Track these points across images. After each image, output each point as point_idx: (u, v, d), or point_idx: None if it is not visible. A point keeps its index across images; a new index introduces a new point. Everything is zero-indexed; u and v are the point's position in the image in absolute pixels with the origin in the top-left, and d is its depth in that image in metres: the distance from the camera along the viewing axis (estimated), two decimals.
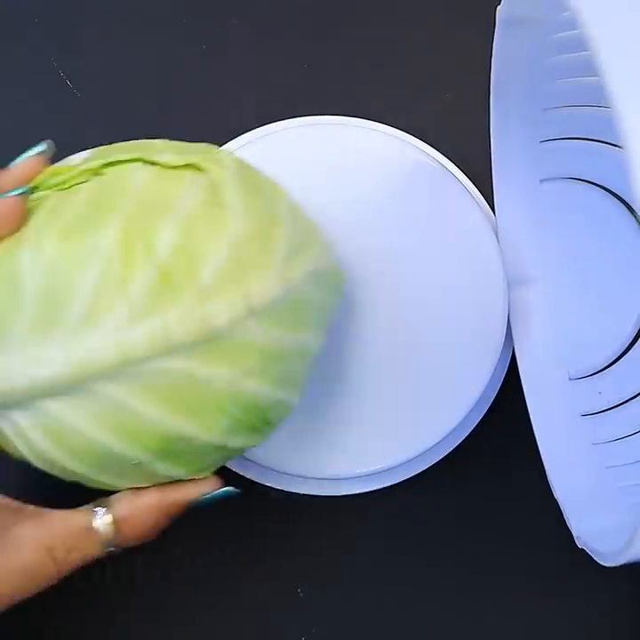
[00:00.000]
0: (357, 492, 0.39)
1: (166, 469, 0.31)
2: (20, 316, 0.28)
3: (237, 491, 0.33)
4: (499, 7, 0.34)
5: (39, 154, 0.32)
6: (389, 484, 0.39)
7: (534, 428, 0.39)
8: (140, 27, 0.46)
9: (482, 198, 0.42)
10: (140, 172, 0.30)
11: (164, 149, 0.31)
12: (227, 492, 0.33)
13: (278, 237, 0.30)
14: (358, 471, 0.37)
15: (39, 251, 0.28)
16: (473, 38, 0.43)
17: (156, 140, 0.33)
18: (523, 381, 0.41)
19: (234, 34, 0.46)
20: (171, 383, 0.28)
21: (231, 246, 0.29)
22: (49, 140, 0.32)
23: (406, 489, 0.40)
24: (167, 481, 0.32)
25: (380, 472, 0.38)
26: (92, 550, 0.31)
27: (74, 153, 0.44)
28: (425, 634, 0.40)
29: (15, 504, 0.32)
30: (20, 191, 0.30)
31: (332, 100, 0.45)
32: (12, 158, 0.44)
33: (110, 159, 0.31)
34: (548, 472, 0.38)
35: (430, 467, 0.39)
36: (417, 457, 0.39)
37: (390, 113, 0.42)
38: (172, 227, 0.29)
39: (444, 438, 0.39)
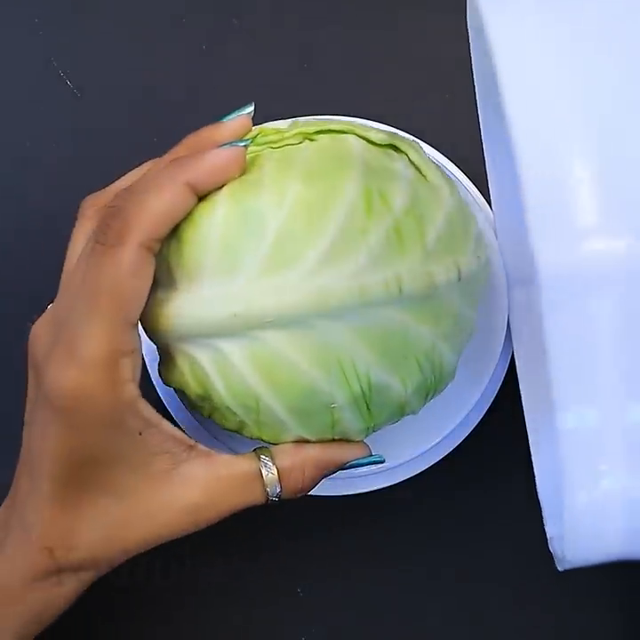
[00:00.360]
0: (357, 492, 0.39)
1: (350, 420, 0.32)
2: (255, 251, 0.29)
3: (383, 460, 0.34)
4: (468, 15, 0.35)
5: (248, 113, 0.33)
6: (389, 484, 0.39)
7: (527, 427, 0.39)
8: (141, 26, 0.46)
9: (482, 198, 0.42)
10: (356, 142, 0.33)
11: (368, 128, 0.34)
12: (376, 459, 0.34)
13: (473, 220, 0.34)
14: (358, 471, 0.37)
15: (281, 194, 0.30)
16: None
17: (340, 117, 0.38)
18: (520, 381, 0.40)
19: (233, 34, 0.46)
20: (386, 332, 0.30)
21: (446, 218, 0.32)
22: (253, 102, 0.34)
23: (406, 489, 0.40)
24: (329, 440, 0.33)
25: (379, 472, 0.38)
26: (254, 498, 0.32)
27: (74, 152, 0.44)
28: (425, 633, 0.40)
29: (188, 440, 0.32)
30: (246, 142, 0.32)
31: (332, 100, 0.45)
32: (12, 160, 0.44)
33: (325, 127, 0.33)
34: (535, 471, 0.38)
35: (430, 467, 0.39)
36: (417, 457, 0.39)
37: (390, 113, 0.42)
38: (402, 190, 0.31)
39: (444, 438, 0.39)
